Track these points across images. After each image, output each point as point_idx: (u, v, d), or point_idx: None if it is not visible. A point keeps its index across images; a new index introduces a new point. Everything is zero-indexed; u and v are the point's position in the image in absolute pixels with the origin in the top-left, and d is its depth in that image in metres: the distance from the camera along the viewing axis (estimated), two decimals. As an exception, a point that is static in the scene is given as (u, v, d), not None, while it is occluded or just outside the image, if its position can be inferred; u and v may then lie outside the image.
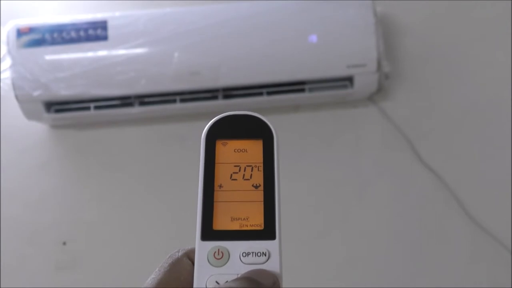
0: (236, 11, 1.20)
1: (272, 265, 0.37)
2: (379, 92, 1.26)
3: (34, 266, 1.19)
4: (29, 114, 1.21)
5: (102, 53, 1.17)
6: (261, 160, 0.40)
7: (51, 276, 1.19)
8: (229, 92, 1.22)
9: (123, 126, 1.28)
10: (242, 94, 1.22)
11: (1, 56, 1.17)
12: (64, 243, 1.20)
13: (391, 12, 1.30)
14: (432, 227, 1.21)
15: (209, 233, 0.38)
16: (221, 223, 0.39)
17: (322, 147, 1.27)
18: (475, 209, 1.19)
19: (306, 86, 1.22)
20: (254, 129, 0.41)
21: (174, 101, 1.22)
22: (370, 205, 1.22)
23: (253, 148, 0.41)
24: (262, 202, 0.39)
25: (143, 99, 1.22)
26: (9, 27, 1.18)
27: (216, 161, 0.40)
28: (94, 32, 1.18)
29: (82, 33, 1.17)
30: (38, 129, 1.27)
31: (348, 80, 1.21)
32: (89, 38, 1.17)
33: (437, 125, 1.27)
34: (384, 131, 1.26)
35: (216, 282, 0.37)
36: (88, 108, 1.21)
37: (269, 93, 1.21)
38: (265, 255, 0.37)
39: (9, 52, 1.16)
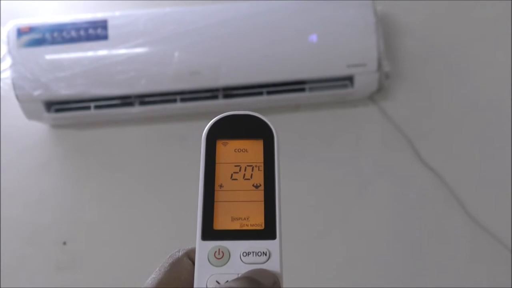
0: (236, 11, 1.20)
1: (272, 265, 0.37)
2: (379, 92, 1.26)
3: (34, 266, 1.19)
4: (29, 114, 1.21)
5: (102, 52, 1.17)
6: (262, 160, 0.40)
7: (51, 276, 1.19)
8: (229, 92, 1.22)
9: (123, 125, 1.28)
10: (242, 94, 1.22)
11: (1, 56, 1.17)
12: (64, 243, 1.20)
13: (391, 12, 1.30)
14: (432, 226, 1.21)
15: (209, 232, 0.38)
16: (221, 222, 0.39)
17: (322, 146, 1.27)
18: (475, 208, 1.19)
19: (307, 86, 1.22)
20: (254, 129, 0.41)
21: (174, 100, 1.22)
22: (370, 205, 1.22)
23: (254, 148, 0.41)
24: (263, 202, 0.39)
25: (143, 99, 1.22)
26: (9, 27, 1.18)
27: (217, 161, 0.40)
28: (94, 32, 1.18)
29: (82, 33, 1.18)
30: (38, 129, 1.27)
31: (348, 80, 1.21)
32: (89, 38, 1.17)
33: (437, 125, 1.27)
34: (384, 130, 1.26)
35: (217, 281, 0.37)
36: (88, 108, 1.21)
37: (269, 93, 1.21)
38: (266, 254, 0.37)
39: (9, 51, 1.16)
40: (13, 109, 1.21)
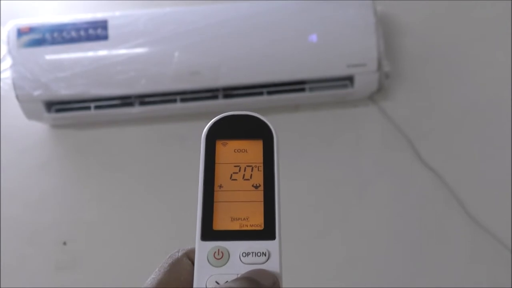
0: (236, 11, 1.20)
1: (272, 265, 0.37)
2: (379, 92, 1.26)
3: (34, 266, 1.19)
4: (30, 114, 1.21)
5: (102, 52, 1.17)
6: (261, 160, 0.40)
7: (51, 276, 1.19)
8: (230, 92, 1.22)
9: (123, 126, 1.28)
10: (242, 94, 1.22)
11: (2, 56, 1.17)
12: (65, 243, 1.20)
13: (391, 12, 1.30)
14: (432, 226, 1.21)
15: (209, 233, 0.38)
16: (221, 223, 0.39)
17: (322, 146, 1.27)
18: (475, 208, 1.19)
19: (307, 86, 1.22)
20: (254, 129, 0.41)
21: (174, 100, 1.22)
22: (370, 205, 1.22)
23: (253, 148, 0.41)
24: (262, 202, 0.39)
25: (143, 99, 1.22)
26: (9, 27, 1.18)
27: (216, 161, 0.40)
28: (95, 32, 1.18)
29: (82, 33, 1.18)
30: (38, 129, 1.28)
31: (348, 80, 1.21)
32: (89, 38, 1.17)
33: (437, 125, 1.27)
34: (384, 130, 1.26)
35: (216, 282, 0.37)
36: (88, 108, 1.21)
37: (269, 93, 1.21)
38: (265, 255, 0.37)
39: (9, 52, 1.16)
40: (13, 109, 1.21)
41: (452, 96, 1.28)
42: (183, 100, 1.22)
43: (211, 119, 0.42)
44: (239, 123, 0.42)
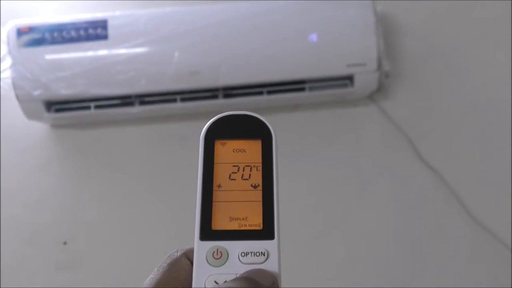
0: (236, 11, 1.20)
1: (271, 265, 0.37)
2: (379, 91, 1.26)
3: (34, 266, 1.19)
4: (30, 114, 1.21)
5: (102, 52, 1.17)
6: (260, 160, 0.40)
7: (51, 276, 1.19)
8: (229, 92, 1.22)
9: (123, 125, 1.28)
10: (242, 94, 1.22)
11: (1, 56, 1.17)
12: (65, 243, 1.20)
13: (391, 12, 1.30)
14: (432, 226, 1.21)
15: (208, 233, 0.38)
16: (220, 223, 0.39)
17: (322, 146, 1.27)
18: (476, 208, 1.19)
19: (307, 85, 1.22)
20: (252, 129, 0.41)
21: (174, 100, 1.22)
22: (370, 205, 1.22)
23: (252, 148, 0.41)
24: (261, 202, 0.39)
25: (143, 99, 1.22)
26: (9, 27, 1.18)
27: (215, 161, 0.40)
28: (94, 32, 1.18)
29: (82, 33, 1.18)
30: (38, 129, 1.28)
31: (348, 79, 1.21)
32: (89, 38, 1.17)
33: (437, 124, 1.27)
34: (384, 130, 1.26)
35: (215, 282, 0.37)
36: (88, 108, 1.21)
37: (269, 92, 1.21)
38: (264, 255, 0.37)
39: (9, 51, 1.16)
40: (13, 109, 1.21)
41: (452, 96, 1.28)
42: (183, 100, 1.22)
43: (211, 119, 0.42)
44: (238, 123, 0.42)
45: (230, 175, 0.40)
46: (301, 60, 1.19)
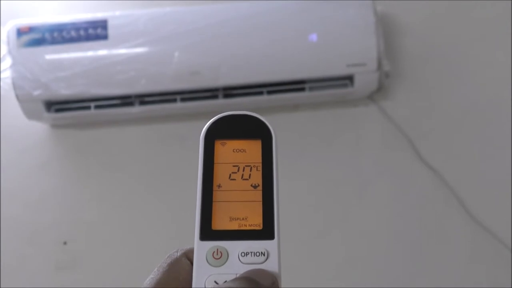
0: (236, 11, 1.20)
1: (270, 265, 0.37)
2: (379, 91, 1.26)
3: (34, 266, 1.19)
4: (30, 114, 1.21)
5: (102, 52, 1.17)
6: (260, 160, 0.40)
7: (51, 276, 1.19)
8: (230, 92, 1.22)
9: (123, 125, 1.28)
10: (242, 94, 1.22)
11: (1, 56, 1.17)
12: (65, 243, 1.20)
13: (391, 12, 1.30)
14: (432, 226, 1.21)
15: (208, 233, 0.38)
16: (220, 223, 0.39)
17: (322, 146, 1.27)
18: (476, 208, 1.19)
19: (307, 85, 1.22)
20: (252, 129, 0.41)
21: (174, 100, 1.22)
22: (370, 205, 1.22)
23: (252, 148, 0.41)
24: (261, 202, 0.39)
25: (143, 99, 1.22)
26: (9, 27, 1.18)
27: (215, 161, 0.40)
28: (94, 32, 1.18)
29: (82, 33, 1.18)
30: (38, 129, 1.28)
31: (348, 79, 1.21)
32: (89, 38, 1.17)
33: (437, 124, 1.27)
34: (384, 130, 1.26)
35: (215, 282, 0.37)
36: (88, 108, 1.21)
37: (269, 92, 1.21)
38: (264, 255, 0.37)
39: (9, 51, 1.16)
40: (13, 109, 1.21)
41: (452, 96, 1.28)
42: (183, 100, 1.22)
43: (211, 119, 0.42)
44: (237, 123, 0.42)
45: (230, 175, 0.40)
46: (301, 60, 1.19)
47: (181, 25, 1.18)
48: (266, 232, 0.38)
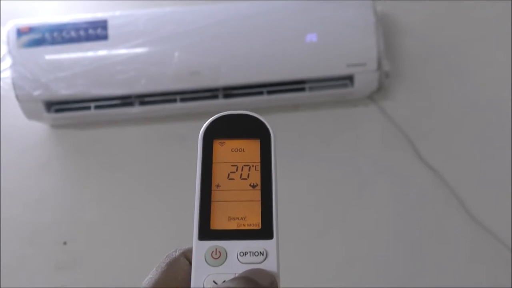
0: (236, 11, 1.20)
1: (269, 265, 0.37)
2: (379, 91, 1.26)
3: (34, 266, 1.19)
4: (29, 114, 1.22)
5: (102, 52, 1.17)
6: (259, 159, 0.40)
7: (51, 276, 1.19)
8: (229, 92, 1.22)
9: (123, 125, 1.28)
10: (242, 94, 1.22)
11: (1, 56, 1.17)
12: (65, 243, 1.20)
13: (391, 12, 1.30)
14: (432, 226, 1.21)
15: (206, 232, 0.38)
16: (218, 222, 0.38)
17: (322, 146, 1.27)
18: (476, 208, 1.19)
19: (307, 85, 1.22)
20: (251, 129, 0.41)
21: (174, 100, 1.22)
22: (370, 205, 1.22)
23: (251, 148, 0.41)
24: (260, 202, 0.39)
25: (143, 99, 1.22)
26: (9, 27, 1.18)
27: (214, 160, 0.40)
28: (94, 32, 1.18)
29: (82, 33, 1.18)
30: (38, 129, 1.28)
31: (348, 79, 1.21)
32: (89, 38, 1.17)
33: (437, 124, 1.27)
34: (384, 130, 1.26)
35: (214, 281, 0.37)
36: (88, 108, 1.21)
37: (269, 92, 1.21)
38: (263, 254, 0.37)
39: (9, 52, 1.16)
40: (13, 109, 1.21)
41: (452, 96, 1.27)
42: (183, 100, 1.22)
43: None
44: (236, 122, 0.42)
45: (228, 174, 0.40)
46: (301, 60, 1.19)
47: (181, 25, 1.18)
48: (265, 231, 0.38)
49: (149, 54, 1.18)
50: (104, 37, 1.17)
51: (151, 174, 1.26)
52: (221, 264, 0.37)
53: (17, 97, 1.17)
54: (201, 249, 0.38)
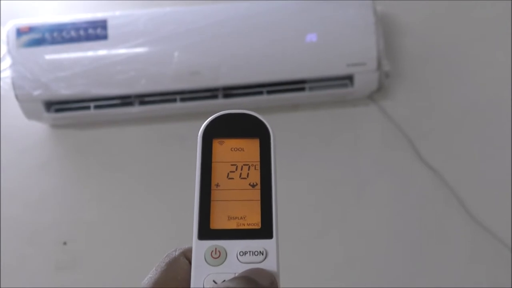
0: (236, 11, 1.20)
1: (269, 264, 0.37)
2: (379, 91, 1.26)
3: (34, 266, 1.19)
4: (29, 114, 1.21)
5: (102, 52, 1.17)
6: (258, 159, 0.40)
7: (51, 276, 1.19)
8: (229, 91, 1.22)
9: (123, 125, 1.28)
10: (242, 93, 1.22)
11: (1, 56, 1.17)
12: (65, 243, 1.20)
13: (391, 12, 1.30)
14: (432, 226, 1.21)
15: (206, 232, 0.38)
16: (218, 222, 0.38)
17: (321, 146, 1.27)
18: (476, 208, 1.19)
19: (307, 85, 1.22)
20: (251, 128, 0.41)
21: (174, 100, 1.22)
22: (370, 205, 1.22)
23: (250, 147, 0.41)
24: (259, 201, 0.39)
25: (143, 99, 1.22)
26: (9, 27, 1.18)
27: (213, 160, 0.40)
28: (94, 32, 1.18)
29: (82, 33, 1.18)
30: (38, 129, 1.28)
31: (348, 79, 1.21)
32: (89, 38, 1.17)
33: (437, 124, 1.27)
34: (384, 130, 1.26)
35: (214, 281, 0.37)
36: (88, 108, 1.21)
37: (269, 92, 1.21)
38: (262, 254, 0.37)
39: (9, 51, 1.16)
40: (13, 109, 1.21)
41: (452, 96, 1.27)
42: (183, 99, 1.21)
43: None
44: (236, 121, 0.41)
45: (228, 174, 0.40)
46: (301, 60, 1.19)
47: (181, 25, 1.18)
48: (265, 231, 0.38)
49: (149, 54, 1.18)
50: (104, 37, 1.17)
51: (151, 174, 1.26)
52: (221, 264, 0.37)
53: (17, 97, 1.17)
54: (200, 248, 0.38)
